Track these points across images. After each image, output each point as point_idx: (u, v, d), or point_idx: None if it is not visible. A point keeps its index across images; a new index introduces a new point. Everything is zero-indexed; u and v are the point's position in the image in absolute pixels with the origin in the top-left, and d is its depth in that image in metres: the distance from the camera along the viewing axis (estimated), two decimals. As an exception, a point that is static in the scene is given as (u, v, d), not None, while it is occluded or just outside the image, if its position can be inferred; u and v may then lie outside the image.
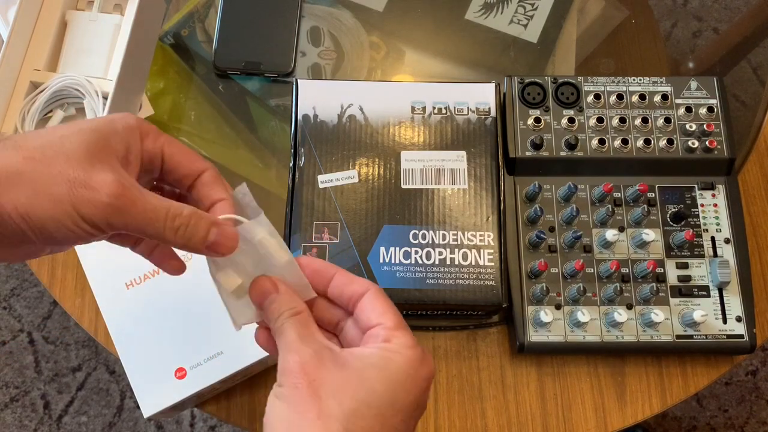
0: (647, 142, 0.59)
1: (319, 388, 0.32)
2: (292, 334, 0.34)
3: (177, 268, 0.40)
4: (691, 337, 0.56)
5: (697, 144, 0.59)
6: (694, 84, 0.61)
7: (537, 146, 0.59)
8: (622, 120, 0.60)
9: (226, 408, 0.57)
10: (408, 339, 0.35)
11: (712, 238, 0.58)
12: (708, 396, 1.25)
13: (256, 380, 0.57)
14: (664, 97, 0.61)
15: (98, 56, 0.60)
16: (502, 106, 0.61)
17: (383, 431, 0.32)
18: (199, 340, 0.51)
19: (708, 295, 0.57)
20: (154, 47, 0.64)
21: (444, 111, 0.60)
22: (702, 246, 0.58)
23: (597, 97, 0.61)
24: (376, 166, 0.58)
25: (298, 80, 0.60)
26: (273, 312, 0.35)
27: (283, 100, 0.67)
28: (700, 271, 0.57)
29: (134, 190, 0.32)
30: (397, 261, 0.55)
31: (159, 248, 0.40)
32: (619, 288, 0.55)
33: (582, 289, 0.55)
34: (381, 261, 0.54)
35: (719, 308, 0.57)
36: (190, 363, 0.51)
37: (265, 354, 0.51)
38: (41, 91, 0.58)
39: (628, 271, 0.57)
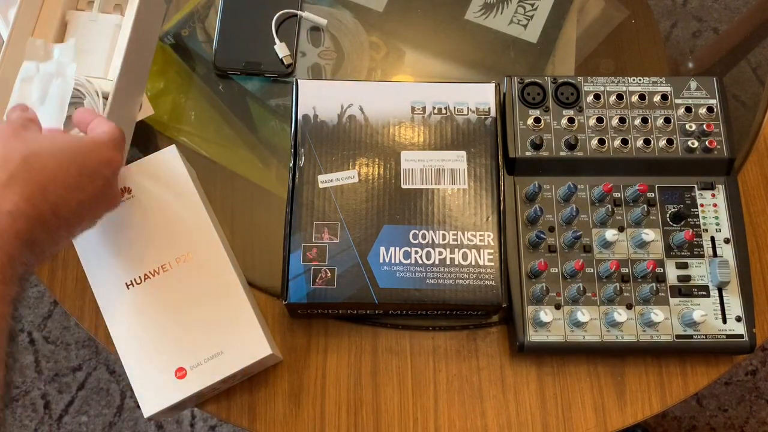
0: (647, 142, 0.59)
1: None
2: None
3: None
4: (690, 337, 0.56)
5: (696, 144, 0.59)
6: (693, 84, 0.62)
7: (537, 146, 0.59)
8: (622, 120, 0.60)
9: (226, 408, 0.57)
10: (100, 134, 0.48)
11: (712, 238, 0.58)
12: (708, 396, 1.25)
13: (256, 380, 0.57)
14: (664, 97, 0.61)
15: (98, 56, 0.60)
16: (501, 106, 0.61)
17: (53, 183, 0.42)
18: (199, 340, 0.51)
19: (708, 295, 0.57)
20: (154, 47, 0.64)
21: (444, 111, 0.60)
22: (702, 246, 0.58)
23: (597, 97, 0.61)
24: (376, 166, 0.58)
25: (298, 80, 0.60)
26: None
27: (283, 100, 0.67)
28: (699, 271, 0.57)
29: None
30: (397, 261, 0.55)
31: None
32: (618, 288, 0.55)
33: (582, 289, 0.55)
34: (381, 261, 0.55)
35: (719, 308, 0.57)
36: (190, 363, 0.51)
37: (266, 354, 0.51)
38: (41, 91, 0.58)
39: (627, 271, 0.57)
